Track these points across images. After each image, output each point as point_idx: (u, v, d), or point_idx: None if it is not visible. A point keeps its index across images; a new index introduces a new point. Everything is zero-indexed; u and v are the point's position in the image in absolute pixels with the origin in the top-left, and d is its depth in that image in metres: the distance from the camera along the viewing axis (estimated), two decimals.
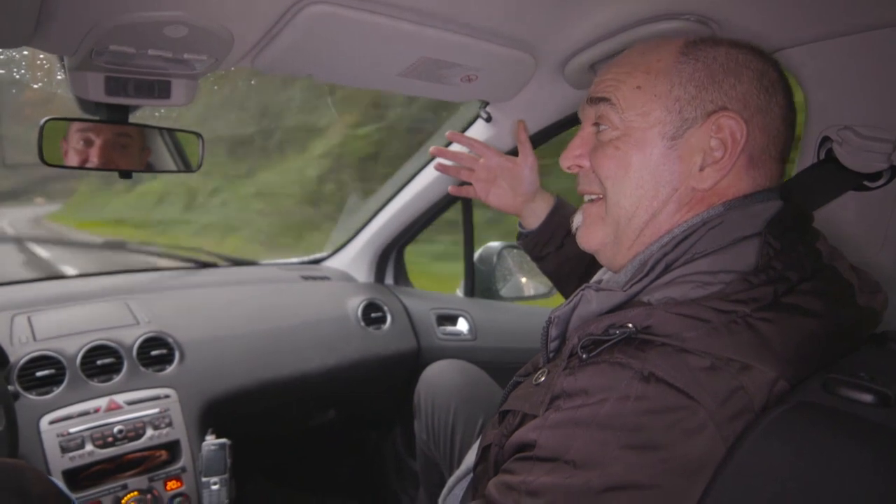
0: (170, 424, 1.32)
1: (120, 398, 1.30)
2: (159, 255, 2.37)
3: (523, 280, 1.97)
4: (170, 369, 1.41)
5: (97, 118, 1.05)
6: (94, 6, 0.73)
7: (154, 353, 1.42)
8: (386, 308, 1.88)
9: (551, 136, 1.47)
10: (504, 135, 1.46)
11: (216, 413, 1.41)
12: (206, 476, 1.24)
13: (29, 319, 1.41)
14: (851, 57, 0.87)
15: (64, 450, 1.20)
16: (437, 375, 1.40)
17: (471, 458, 0.87)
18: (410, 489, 1.90)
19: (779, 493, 0.50)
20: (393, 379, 1.84)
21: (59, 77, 0.99)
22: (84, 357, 1.33)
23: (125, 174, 1.10)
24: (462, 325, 1.90)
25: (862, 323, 0.66)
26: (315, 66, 1.02)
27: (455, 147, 1.38)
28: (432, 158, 1.69)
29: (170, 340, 1.46)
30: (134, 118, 1.07)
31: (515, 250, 1.97)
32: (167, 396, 1.35)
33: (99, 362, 1.34)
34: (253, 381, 1.51)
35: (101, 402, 1.28)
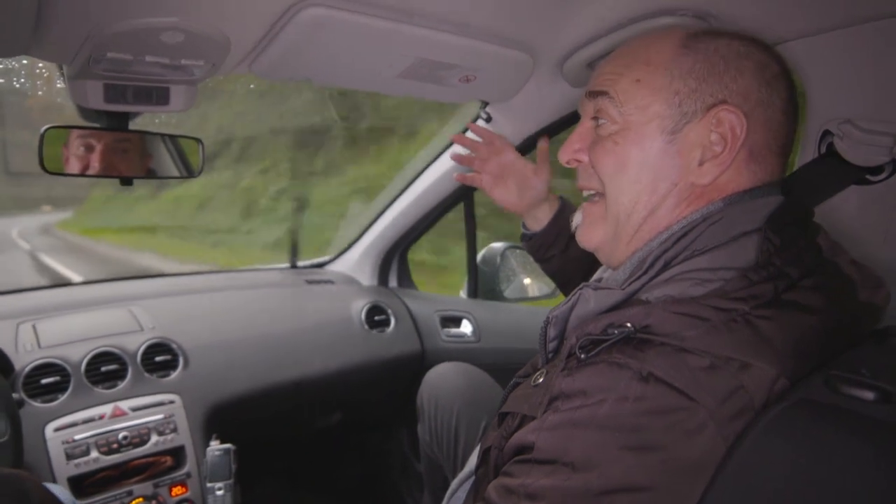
0: (174, 430, 1.32)
1: (124, 404, 1.31)
2: None
3: (527, 281, 1.96)
4: (174, 375, 1.42)
5: (98, 125, 1.06)
6: (90, 14, 0.74)
7: (158, 359, 1.43)
8: (390, 311, 1.88)
9: (552, 135, 1.46)
10: (505, 134, 1.46)
11: (221, 418, 1.42)
12: (211, 481, 1.24)
13: (34, 327, 1.41)
14: (851, 49, 0.86)
15: (69, 457, 1.20)
16: (440, 378, 1.40)
17: (473, 460, 0.87)
18: (415, 491, 1.90)
19: (780, 491, 0.50)
20: (397, 381, 1.84)
21: (58, 85, 1.00)
22: (89, 364, 1.34)
23: (126, 181, 1.11)
24: (466, 327, 1.90)
25: (863, 319, 0.66)
26: (312, 69, 1.02)
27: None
28: (434, 160, 1.70)
29: (174, 346, 1.46)
30: (134, 125, 1.08)
31: (519, 251, 1.96)
32: (172, 402, 1.36)
33: (103, 369, 1.35)
34: (257, 386, 1.52)
35: (106, 409, 1.29)
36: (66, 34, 0.77)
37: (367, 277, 2.08)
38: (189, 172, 1.21)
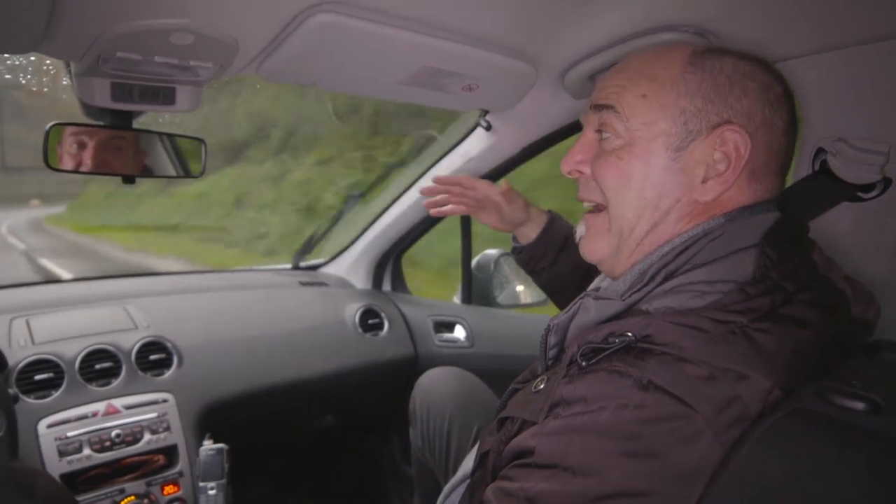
0: (167, 429, 1.32)
1: (118, 402, 1.30)
2: None
3: (520, 288, 1.97)
4: (168, 374, 1.42)
5: (102, 123, 1.06)
6: (102, 14, 0.74)
7: (152, 357, 1.42)
8: (383, 314, 1.89)
9: (551, 145, 1.48)
10: (504, 143, 1.48)
11: (214, 418, 1.41)
12: (203, 481, 1.24)
13: (28, 323, 1.41)
14: (849, 69, 0.88)
15: (62, 454, 1.20)
16: (433, 382, 1.40)
17: (467, 464, 0.87)
18: (406, 495, 1.90)
19: (774, 498, 0.51)
20: (390, 385, 1.85)
21: (64, 82, 1.00)
22: (83, 361, 1.34)
23: (128, 179, 1.11)
24: (459, 332, 1.91)
25: (856, 333, 0.67)
26: (318, 74, 1.03)
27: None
28: (431, 166, 1.71)
29: (168, 345, 1.46)
30: (138, 123, 1.08)
31: (512, 258, 1.97)
32: (165, 401, 1.36)
33: (97, 366, 1.35)
34: (250, 387, 1.52)
35: (100, 407, 1.28)
36: (77, 32, 0.77)
37: (361, 281, 2.08)
38: (187, 172, 1.21)
